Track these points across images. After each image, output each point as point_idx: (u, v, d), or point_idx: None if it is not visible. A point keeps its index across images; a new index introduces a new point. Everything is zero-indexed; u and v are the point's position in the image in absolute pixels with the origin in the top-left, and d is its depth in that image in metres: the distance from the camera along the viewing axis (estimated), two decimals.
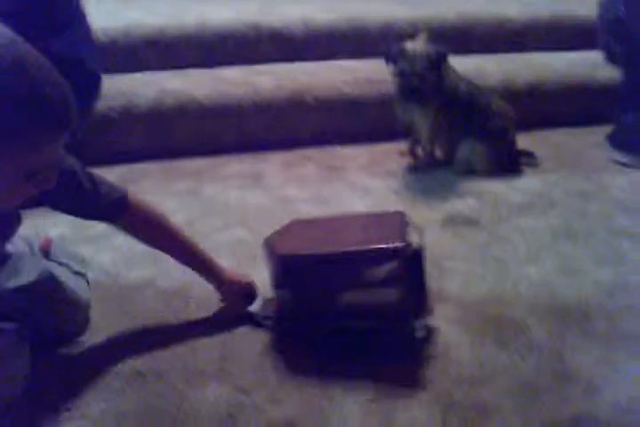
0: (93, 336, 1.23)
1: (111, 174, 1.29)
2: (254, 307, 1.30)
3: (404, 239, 1.14)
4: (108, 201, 1.14)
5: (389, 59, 1.84)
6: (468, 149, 1.95)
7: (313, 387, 1.11)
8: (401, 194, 1.85)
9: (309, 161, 2.05)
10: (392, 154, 2.11)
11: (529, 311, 1.32)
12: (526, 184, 1.91)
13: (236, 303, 1.30)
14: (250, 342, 1.22)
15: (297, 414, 1.05)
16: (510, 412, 1.06)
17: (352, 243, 1.15)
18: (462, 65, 1.98)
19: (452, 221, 1.68)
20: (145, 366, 1.16)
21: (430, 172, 1.99)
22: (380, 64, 1.92)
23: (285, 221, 1.67)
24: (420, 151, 2.07)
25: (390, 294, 1.13)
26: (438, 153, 2.05)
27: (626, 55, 2.23)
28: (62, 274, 1.24)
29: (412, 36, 1.88)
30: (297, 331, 1.24)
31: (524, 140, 2.07)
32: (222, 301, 1.32)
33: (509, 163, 1.99)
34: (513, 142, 2.00)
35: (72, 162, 1.09)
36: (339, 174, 1.97)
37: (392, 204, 1.78)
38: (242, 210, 1.73)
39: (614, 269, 1.47)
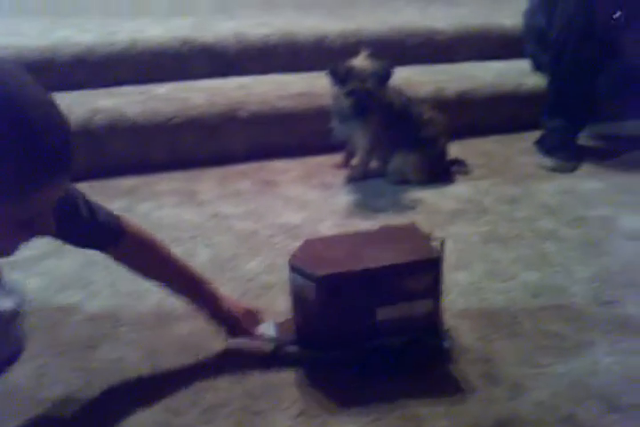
0: (22, 364, 1.21)
1: None
2: (270, 333, 1.23)
3: (435, 250, 1.16)
4: (104, 229, 1.10)
5: (337, 79, 1.85)
6: (400, 160, 1.98)
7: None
8: (336, 206, 1.87)
9: (244, 176, 2.06)
10: (327, 166, 2.13)
11: (459, 316, 1.35)
12: (458, 192, 1.95)
13: (246, 333, 1.23)
14: (182, 363, 1.21)
15: None
16: (441, 417, 1.08)
17: (384, 258, 1.14)
18: (394, 76, 2.02)
19: None
20: (73, 392, 1.14)
21: (365, 183, 2.02)
22: (314, 78, 1.95)
23: (220, 237, 1.68)
24: (355, 162, 2.09)
25: (425, 306, 1.16)
26: (373, 164, 2.08)
27: (550, 63, 2.30)
28: (8, 302, 1.21)
29: (354, 54, 1.91)
30: (327, 356, 1.18)
31: (455, 149, 2.12)
32: (229, 334, 1.23)
33: (441, 171, 2.03)
34: (444, 151, 2.05)
35: (70, 188, 1.04)
36: (274, 189, 1.98)
37: (327, 216, 1.80)
38: (176, 228, 1.72)
39: (540, 272, 1.52)
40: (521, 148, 2.28)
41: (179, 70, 2.39)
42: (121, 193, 1.92)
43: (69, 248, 1.16)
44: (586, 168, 2.14)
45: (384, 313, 1.14)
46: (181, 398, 1.12)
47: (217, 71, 2.43)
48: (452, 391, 1.13)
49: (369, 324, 1.15)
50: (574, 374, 1.18)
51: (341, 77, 1.84)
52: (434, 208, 1.85)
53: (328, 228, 1.72)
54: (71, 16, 2.83)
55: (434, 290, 1.17)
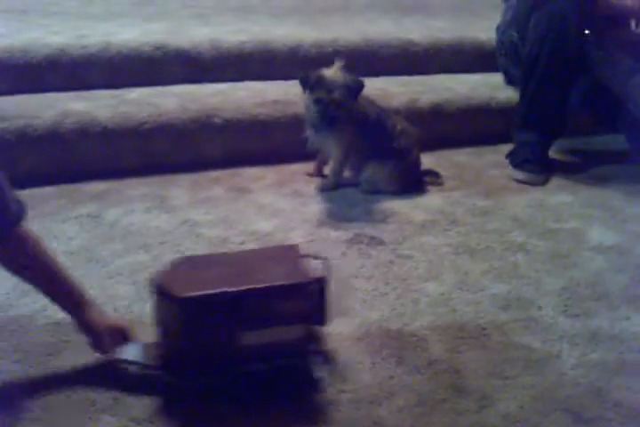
0: None
1: None
2: (129, 354, 1.18)
3: (309, 274, 1.14)
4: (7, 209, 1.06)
5: (307, 86, 1.86)
6: (373, 170, 1.98)
7: None
8: (308, 214, 1.86)
9: (217, 183, 2.03)
10: (300, 174, 2.12)
11: (428, 328, 1.35)
12: (430, 203, 1.96)
13: (107, 349, 1.18)
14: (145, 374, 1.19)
15: None
16: None
17: (252, 280, 1.10)
18: (368, 87, 2.02)
19: (357, 241, 1.70)
20: (37, 400, 1.11)
21: (338, 192, 2.01)
22: (288, 86, 1.95)
23: (189, 244, 1.66)
24: (327, 171, 2.09)
25: (296, 331, 1.12)
26: (346, 173, 2.07)
27: (522, 77, 2.33)
28: None
29: (329, 63, 1.91)
30: (189, 381, 1.15)
31: (428, 160, 2.13)
32: (93, 346, 1.18)
33: (414, 182, 2.04)
34: (417, 162, 2.05)
35: None
36: (246, 196, 1.96)
37: (299, 224, 1.79)
38: (145, 234, 1.69)
39: (510, 284, 1.52)
40: (493, 160, 2.30)
41: (152, 75, 2.37)
42: (90, 198, 1.88)
43: None
44: (556, 181, 2.16)
45: (251, 338, 1.09)
46: (146, 409, 1.09)
47: (191, 77, 2.41)
48: (421, 402, 1.12)
49: (235, 349, 1.09)
50: (541, 386, 1.18)
51: (311, 85, 1.85)
52: (405, 218, 1.85)
53: (299, 236, 1.71)
54: (39, 17, 2.78)
55: (307, 315, 1.13)
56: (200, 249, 1.62)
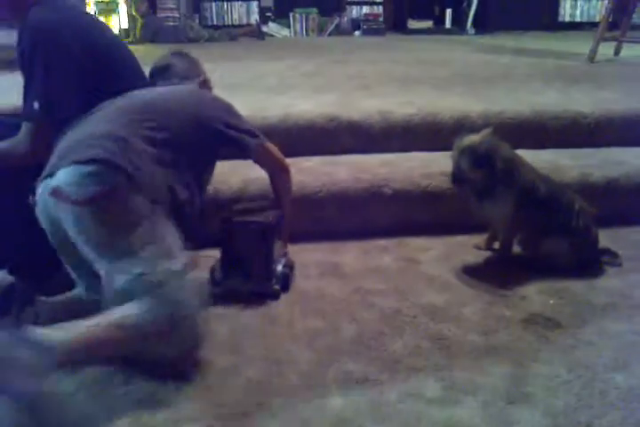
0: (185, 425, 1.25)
1: None
2: None
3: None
4: None
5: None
6: (547, 247, 1.93)
7: None
8: (479, 289, 1.84)
9: (385, 251, 2.08)
10: (467, 247, 2.12)
11: (622, 424, 1.26)
12: (608, 284, 1.87)
13: None
14: None
15: None
16: None
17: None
18: (537, 160, 2.01)
19: (533, 321, 1.65)
20: None
21: (508, 267, 1.98)
22: None
23: (362, 313, 1.69)
24: (497, 245, 2.07)
25: None
26: (516, 249, 2.04)
27: None
28: None
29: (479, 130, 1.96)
30: None
31: (602, 238, 2.03)
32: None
33: (591, 262, 1.96)
34: (595, 242, 1.97)
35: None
36: (415, 266, 1.98)
37: (471, 300, 1.77)
38: (320, 300, 1.76)
39: None
40: None
41: (325, 145, 2.50)
42: None
43: None
44: None
45: None
46: None
47: (361, 147, 2.51)
48: None
49: None
50: None
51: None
52: (583, 300, 1.77)
53: (472, 313, 1.70)
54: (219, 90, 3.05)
55: None
56: (375, 319, 1.65)
